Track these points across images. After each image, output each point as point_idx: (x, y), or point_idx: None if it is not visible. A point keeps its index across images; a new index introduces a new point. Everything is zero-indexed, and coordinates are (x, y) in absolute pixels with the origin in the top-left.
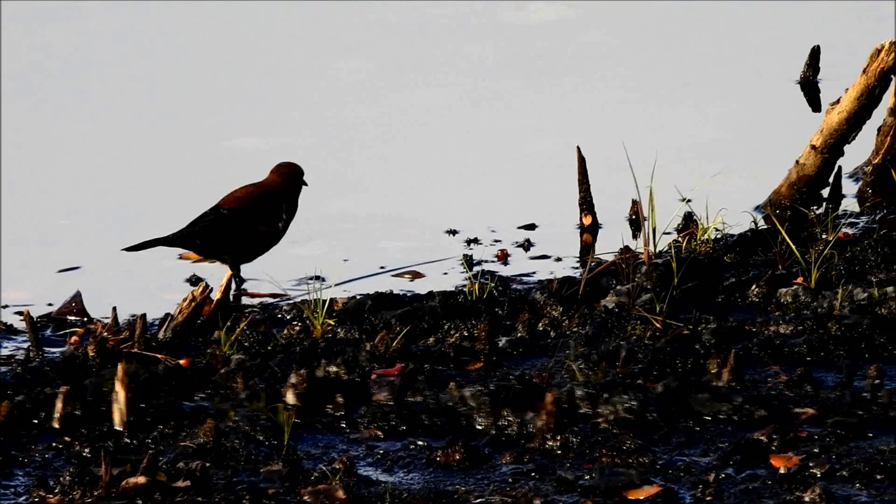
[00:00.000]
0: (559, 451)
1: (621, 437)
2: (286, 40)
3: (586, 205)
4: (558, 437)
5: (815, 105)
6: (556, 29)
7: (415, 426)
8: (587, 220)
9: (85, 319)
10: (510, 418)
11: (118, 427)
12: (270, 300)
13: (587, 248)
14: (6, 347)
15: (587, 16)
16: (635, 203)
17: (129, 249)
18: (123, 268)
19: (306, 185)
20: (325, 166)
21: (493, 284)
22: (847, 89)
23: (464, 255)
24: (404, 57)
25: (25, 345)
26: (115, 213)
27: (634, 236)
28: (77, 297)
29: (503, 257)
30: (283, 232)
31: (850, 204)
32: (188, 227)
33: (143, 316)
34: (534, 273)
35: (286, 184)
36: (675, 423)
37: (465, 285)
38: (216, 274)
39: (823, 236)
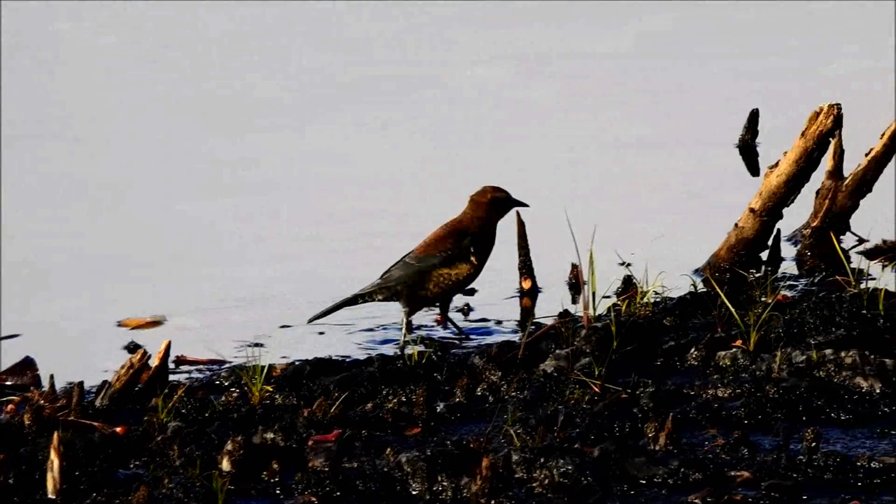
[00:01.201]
0: None
1: (555, 502)
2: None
3: (525, 269)
4: (493, 503)
5: (754, 168)
6: (492, 88)
7: (350, 492)
8: (526, 285)
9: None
10: (445, 483)
11: (51, 495)
12: (209, 366)
13: (526, 313)
14: None
15: (523, 75)
16: (575, 267)
17: (315, 318)
18: (61, 334)
19: (525, 204)
20: (250, 230)
21: (432, 349)
22: (786, 152)
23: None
24: (347, 117)
25: None
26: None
27: (574, 300)
28: (29, 363)
29: (442, 322)
30: (475, 269)
31: (789, 267)
32: (375, 282)
33: (80, 384)
34: (473, 338)
35: (480, 214)
36: (610, 487)
37: (404, 351)
38: (154, 340)
39: (762, 299)
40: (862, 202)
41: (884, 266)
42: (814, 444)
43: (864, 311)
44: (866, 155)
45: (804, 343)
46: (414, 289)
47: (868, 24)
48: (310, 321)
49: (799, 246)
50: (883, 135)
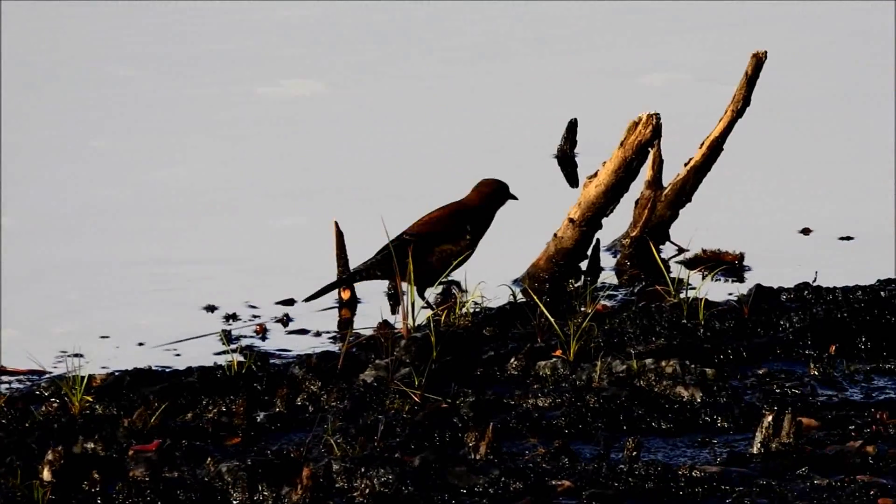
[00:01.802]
0: None
1: None
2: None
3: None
4: None
5: (573, 179)
6: (307, 104)
7: (171, 502)
8: (346, 295)
9: None
10: (266, 493)
11: None
12: (29, 376)
13: (346, 323)
14: None
15: (339, 92)
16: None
17: (310, 298)
18: None
19: (514, 198)
20: (81, 242)
21: (251, 360)
22: (604, 162)
23: (223, 330)
24: (158, 131)
25: None
26: None
27: (393, 311)
28: None
29: (262, 332)
30: (467, 250)
31: (608, 276)
32: (371, 258)
33: None
34: (292, 348)
35: (483, 202)
36: (430, 496)
37: (224, 361)
38: None
39: (582, 309)
40: (681, 212)
41: (703, 276)
42: (634, 453)
43: (685, 321)
44: (685, 164)
45: (624, 353)
46: (416, 263)
47: (688, 33)
48: (305, 300)
49: (618, 256)
50: (702, 144)
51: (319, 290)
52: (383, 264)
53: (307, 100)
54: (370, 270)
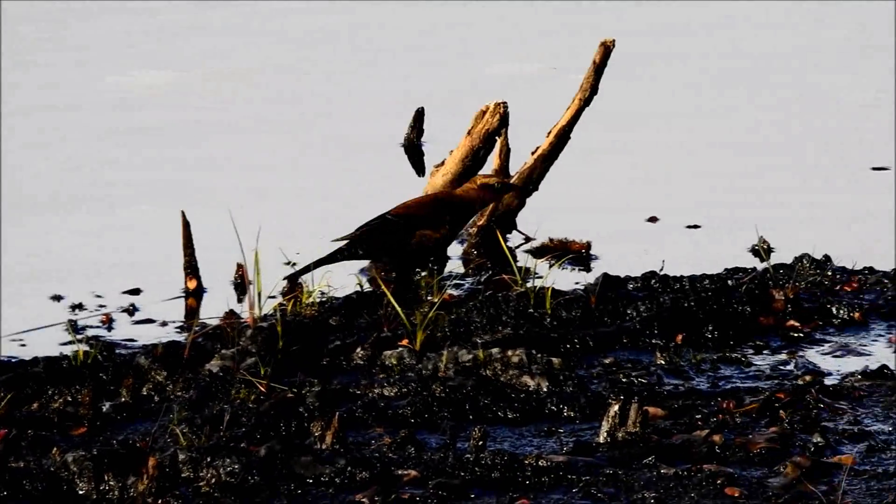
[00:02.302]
0: None
1: (222, 501)
2: None
3: (191, 269)
4: (160, 502)
5: (420, 168)
6: (159, 96)
7: (17, 492)
8: (192, 285)
9: None
10: (112, 483)
11: None
12: None
13: (192, 313)
14: None
15: (191, 85)
16: (240, 267)
17: (293, 276)
18: None
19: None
20: None
21: (97, 349)
22: (452, 151)
23: (68, 320)
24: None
25: None
26: None
27: (240, 300)
28: None
29: (108, 322)
30: (445, 239)
31: (455, 266)
32: (353, 234)
33: None
34: (138, 338)
35: (474, 194)
36: (276, 486)
37: (70, 351)
38: None
39: (429, 298)
40: (528, 200)
41: (550, 265)
42: (481, 442)
43: (531, 310)
44: (532, 153)
45: (471, 342)
46: (398, 244)
47: (535, 22)
48: (286, 278)
49: (465, 245)
50: (549, 133)
51: (304, 268)
52: (366, 241)
53: (156, 90)
54: (352, 250)
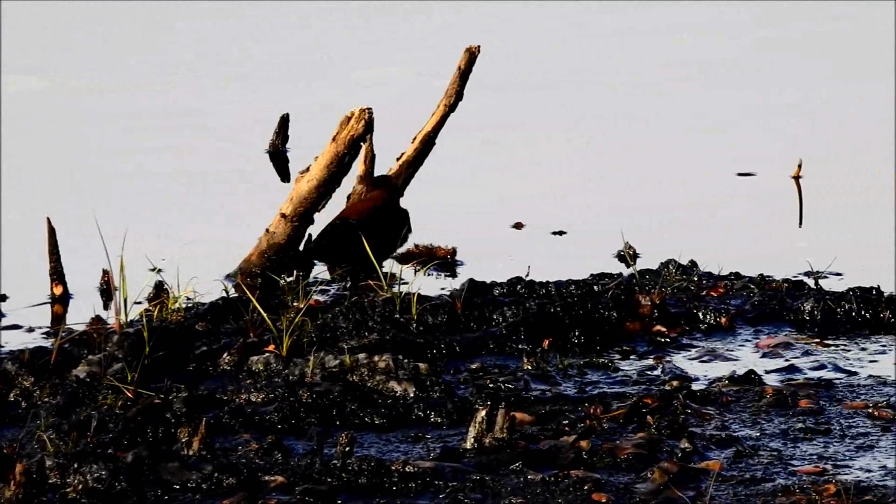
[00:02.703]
0: None
1: None
2: None
3: (56, 275)
4: None
5: (284, 174)
6: (36, 99)
7: None
8: (58, 291)
9: None
10: None
11: None
12: None
13: (58, 318)
14: None
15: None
16: (106, 272)
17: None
18: None
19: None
20: None
21: None
22: (316, 157)
23: None
24: None
25: None
26: None
27: (106, 306)
28: None
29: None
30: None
31: (321, 271)
32: (317, 241)
33: None
34: (5, 344)
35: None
36: (144, 492)
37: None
38: None
39: (295, 304)
40: None
41: (416, 270)
42: (348, 448)
43: (397, 316)
44: (397, 159)
45: (337, 347)
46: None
47: (402, 26)
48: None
49: None
50: (414, 139)
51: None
52: (331, 247)
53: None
54: (320, 252)
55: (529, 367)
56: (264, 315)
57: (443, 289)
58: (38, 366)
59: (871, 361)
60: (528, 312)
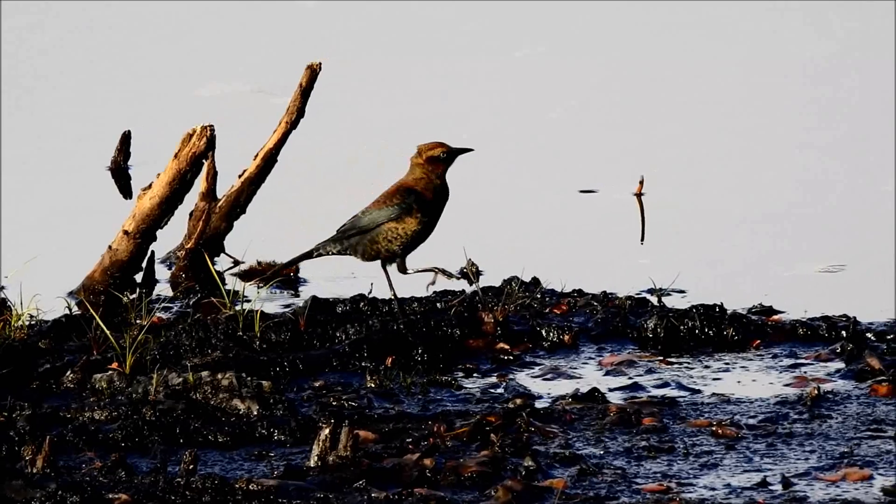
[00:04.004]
0: None
1: None
2: None
3: None
4: None
5: (126, 191)
6: None
7: None
8: None
9: None
10: None
11: None
12: None
13: None
14: None
15: None
16: None
17: (263, 280)
18: None
19: (469, 149)
20: None
21: None
22: (159, 174)
23: None
24: None
25: None
26: None
27: None
28: None
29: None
30: (422, 225)
31: (164, 289)
32: (335, 233)
33: None
34: None
35: (419, 174)
36: None
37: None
38: None
39: (138, 321)
40: (236, 223)
41: (258, 287)
42: (191, 466)
43: (241, 333)
44: (239, 176)
45: (181, 365)
46: (368, 243)
47: (245, 43)
48: (257, 283)
49: (174, 268)
50: (256, 156)
51: (286, 263)
52: (338, 242)
53: None
54: (327, 248)
55: (373, 385)
56: (107, 333)
57: (286, 306)
58: None
59: (714, 379)
60: (372, 330)
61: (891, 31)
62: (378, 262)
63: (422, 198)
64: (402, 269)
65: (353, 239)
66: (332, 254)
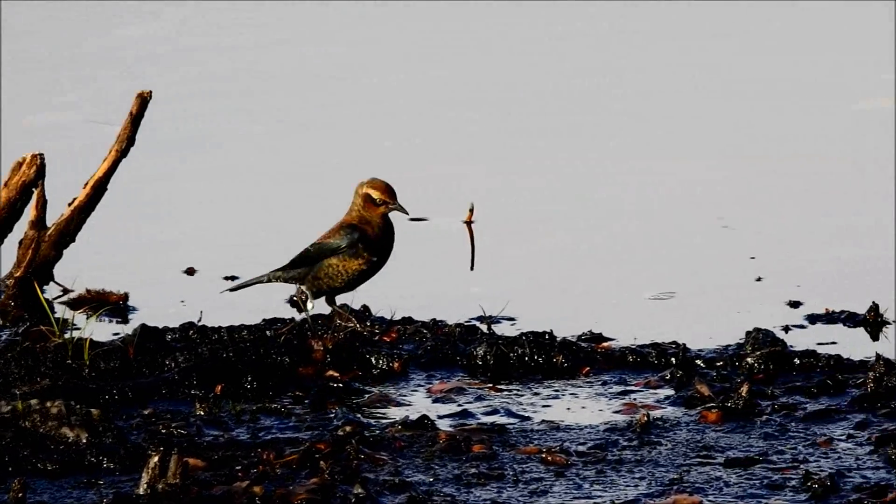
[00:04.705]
0: None
1: None
2: None
3: None
4: None
5: None
6: None
7: None
8: None
9: None
10: None
11: None
12: None
13: None
14: None
15: None
16: None
17: (231, 290)
18: None
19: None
20: None
21: None
22: None
23: None
24: None
25: None
26: None
27: None
28: None
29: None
30: (368, 263)
31: None
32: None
33: None
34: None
35: (362, 210)
36: None
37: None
38: None
39: None
40: (66, 252)
41: (88, 316)
42: (20, 494)
43: (70, 361)
44: (69, 205)
45: (10, 393)
46: (311, 277)
47: (71, 75)
48: (223, 291)
49: (2, 296)
50: (86, 184)
51: (240, 284)
52: (288, 271)
53: None
54: (279, 276)
55: (202, 413)
56: None
57: (115, 334)
58: None
59: (544, 406)
60: (201, 358)
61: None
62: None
63: (366, 235)
64: (330, 303)
65: (299, 270)
66: (281, 281)
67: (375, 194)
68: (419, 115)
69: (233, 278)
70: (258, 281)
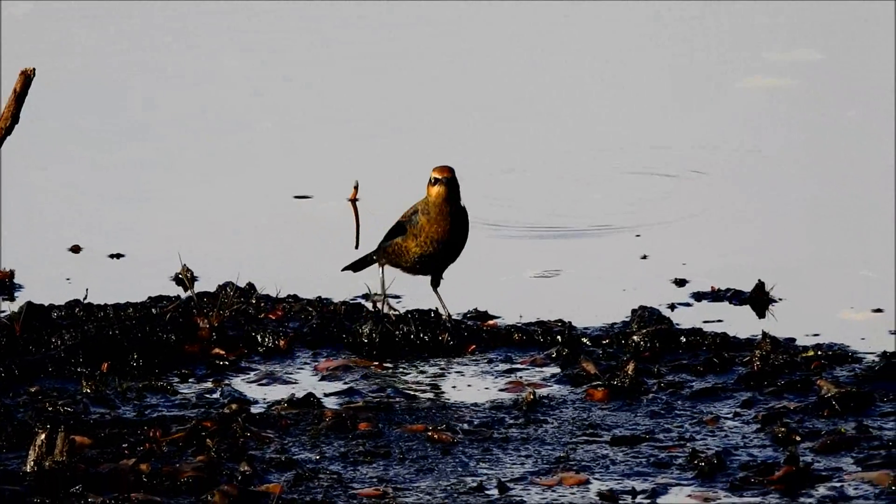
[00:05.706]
0: None
1: None
2: None
3: None
4: None
5: None
6: None
7: None
8: None
9: None
10: None
11: None
12: None
13: None
14: None
15: None
16: None
17: (348, 268)
18: None
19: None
20: None
21: None
22: None
23: None
24: None
25: None
26: None
27: None
28: None
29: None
30: (421, 248)
31: None
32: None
33: None
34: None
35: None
36: None
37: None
38: None
39: None
40: None
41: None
42: None
43: None
44: None
45: None
46: (385, 254)
47: None
48: (343, 269)
49: None
50: None
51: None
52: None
53: None
54: (374, 255)
55: (89, 391)
56: None
57: (1, 311)
58: None
59: (430, 384)
60: (87, 335)
61: None
62: None
63: (423, 218)
64: (435, 284)
65: (382, 247)
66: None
67: (432, 174)
68: (305, 94)
69: (118, 256)
70: (368, 262)
